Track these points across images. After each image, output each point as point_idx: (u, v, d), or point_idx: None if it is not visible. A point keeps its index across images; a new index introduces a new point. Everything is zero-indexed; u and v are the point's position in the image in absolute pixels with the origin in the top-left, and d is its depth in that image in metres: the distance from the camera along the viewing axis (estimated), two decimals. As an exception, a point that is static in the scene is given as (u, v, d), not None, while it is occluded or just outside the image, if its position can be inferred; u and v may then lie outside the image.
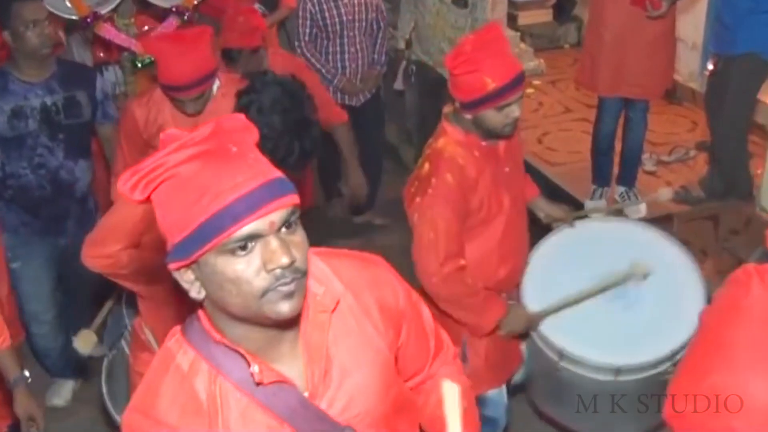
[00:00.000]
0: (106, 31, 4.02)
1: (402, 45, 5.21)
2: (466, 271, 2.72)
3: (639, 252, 2.96)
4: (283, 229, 1.31)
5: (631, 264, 2.90)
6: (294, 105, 2.18)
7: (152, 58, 4.08)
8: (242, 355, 1.38)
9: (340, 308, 1.49)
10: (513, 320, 2.83)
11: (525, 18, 6.94)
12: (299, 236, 1.34)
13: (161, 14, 4.33)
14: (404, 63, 5.38)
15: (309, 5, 4.75)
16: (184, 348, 1.42)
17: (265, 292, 1.30)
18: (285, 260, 1.29)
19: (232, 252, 1.29)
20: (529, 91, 6.18)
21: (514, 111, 2.62)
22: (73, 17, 3.96)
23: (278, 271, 1.30)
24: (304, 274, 1.34)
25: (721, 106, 4.28)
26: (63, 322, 3.73)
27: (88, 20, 3.93)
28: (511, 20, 6.78)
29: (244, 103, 2.18)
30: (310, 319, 1.45)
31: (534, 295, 2.90)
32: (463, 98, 2.63)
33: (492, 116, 2.61)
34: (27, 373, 2.65)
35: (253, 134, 1.38)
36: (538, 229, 3.11)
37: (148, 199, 1.34)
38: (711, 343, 1.38)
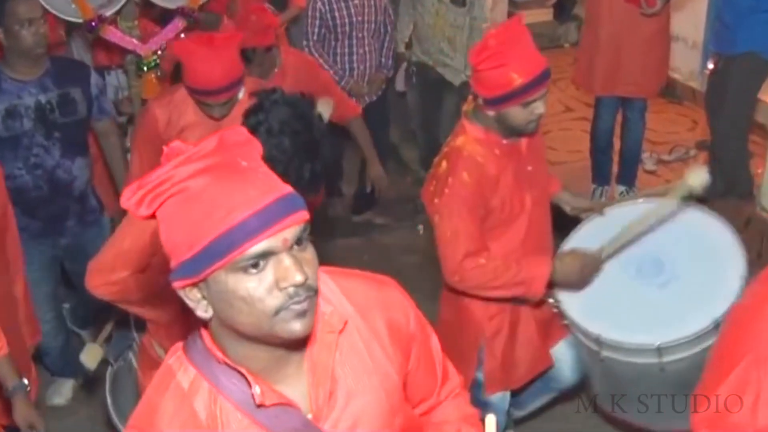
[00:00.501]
0: (111, 34, 3.96)
1: (402, 48, 5.20)
2: (491, 259, 2.64)
3: (676, 228, 2.84)
4: (295, 246, 1.28)
5: (687, 176, 2.75)
6: (304, 126, 2.11)
7: (157, 61, 4.08)
8: (244, 376, 1.35)
9: (348, 329, 1.45)
10: (565, 270, 2.69)
11: (525, 17, 6.94)
12: (310, 253, 1.31)
13: (163, 16, 4.29)
14: (404, 64, 5.39)
15: (319, 4, 4.71)
16: (185, 366, 1.39)
17: (278, 311, 1.27)
18: (299, 278, 1.26)
19: (244, 269, 1.25)
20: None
21: (539, 107, 2.56)
22: (78, 20, 3.88)
23: (291, 289, 1.26)
24: (316, 292, 1.31)
25: (722, 106, 4.29)
26: (63, 322, 3.73)
27: (93, 23, 3.86)
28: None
29: (251, 124, 2.08)
30: (317, 339, 1.41)
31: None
32: (487, 94, 2.57)
33: (517, 113, 2.56)
34: (26, 381, 2.59)
35: (258, 148, 1.34)
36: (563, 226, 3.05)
37: (153, 216, 1.30)
38: (739, 338, 1.37)
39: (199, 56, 2.96)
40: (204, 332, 1.39)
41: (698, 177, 2.73)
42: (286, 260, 1.26)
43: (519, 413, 3.21)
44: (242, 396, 1.36)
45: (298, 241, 1.28)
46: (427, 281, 4.19)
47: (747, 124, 4.46)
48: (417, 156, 5.80)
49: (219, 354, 1.36)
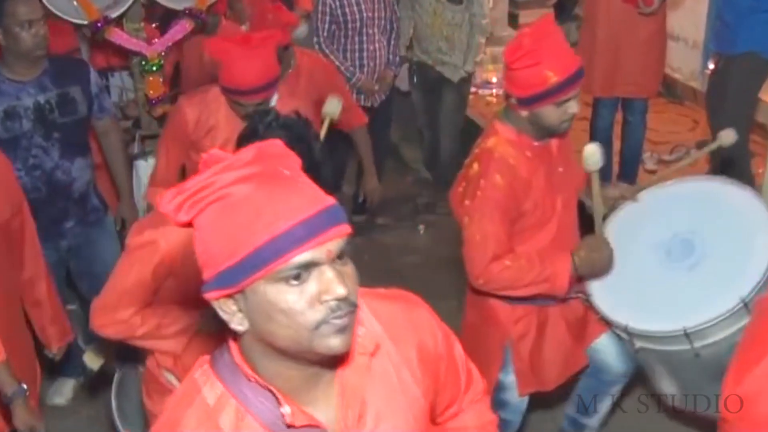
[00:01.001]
0: (118, 36, 3.93)
1: (403, 51, 5.21)
2: (515, 259, 2.61)
3: (707, 204, 2.79)
4: (337, 260, 1.25)
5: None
6: (302, 151, 2.07)
7: (162, 63, 4.07)
8: (274, 395, 1.31)
9: (379, 352, 1.42)
10: (584, 260, 2.64)
11: (526, 17, 6.94)
12: (351, 269, 1.28)
13: (163, 20, 4.27)
14: (407, 64, 5.41)
15: (330, 0, 4.69)
16: (211, 381, 1.35)
17: (318, 325, 1.23)
18: (342, 291, 1.23)
19: (286, 280, 1.22)
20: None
21: (573, 107, 2.54)
22: (83, 22, 3.84)
23: (333, 303, 1.23)
24: (356, 308, 1.28)
25: (722, 105, 4.29)
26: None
27: (99, 25, 3.82)
28: (512, 19, 6.79)
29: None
30: (348, 360, 1.37)
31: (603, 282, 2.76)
32: (521, 93, 2.54)
33: (550, 112, 2.53)
34: (24, 386, 2.55)
35: (297, 159, 1.32)
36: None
37: (189, 223, 1.26)
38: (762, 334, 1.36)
39: (235, 55, 2.91)
40: (233, 347, 1.35)
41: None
42: (329, 272, 1.23)
43: (591, 421, 3.12)
44: (270, 415, 1.33)
45: (340, 255, 1.25)
46: (427, 281, 4.20)
47: (747, 123, 4.46)
48: (418, 156, 5.81)
49: (248, 370, 1.33)
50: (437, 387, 1.54)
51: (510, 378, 2.84)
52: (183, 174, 3.28)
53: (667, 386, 2.81)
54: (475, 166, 2.63)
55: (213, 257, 1.24)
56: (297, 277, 1.22)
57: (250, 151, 1.28)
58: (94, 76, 3.45)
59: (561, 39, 2.54)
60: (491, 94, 6.48)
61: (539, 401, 3.12)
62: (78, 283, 3.63)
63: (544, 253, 2.66)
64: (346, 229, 1.26)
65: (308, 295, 1.23)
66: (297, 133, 2.05)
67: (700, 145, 4.43)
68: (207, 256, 1.26)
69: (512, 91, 2.58)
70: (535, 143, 2.63)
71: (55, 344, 2.98)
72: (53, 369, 3.78)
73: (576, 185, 2.82)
